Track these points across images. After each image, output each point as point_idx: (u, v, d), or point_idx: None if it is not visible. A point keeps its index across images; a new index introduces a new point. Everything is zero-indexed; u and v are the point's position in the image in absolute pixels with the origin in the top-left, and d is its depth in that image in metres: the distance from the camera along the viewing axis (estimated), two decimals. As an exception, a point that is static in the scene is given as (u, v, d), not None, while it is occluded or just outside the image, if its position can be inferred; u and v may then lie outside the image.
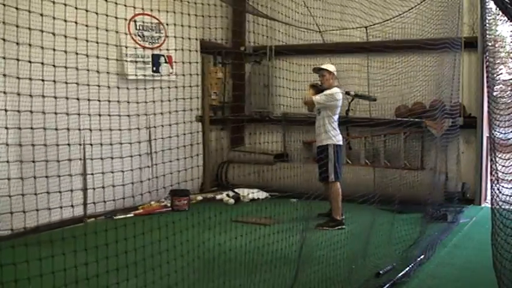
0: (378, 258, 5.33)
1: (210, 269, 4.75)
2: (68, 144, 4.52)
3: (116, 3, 4.17)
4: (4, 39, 3.88)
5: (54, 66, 3.90)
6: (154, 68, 8.42)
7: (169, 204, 8.13)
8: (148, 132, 7.40)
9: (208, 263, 4.94)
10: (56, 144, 4.52)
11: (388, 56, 8.61)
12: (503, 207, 4.25)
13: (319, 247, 5.45)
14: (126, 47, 7.91)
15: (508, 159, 4.30)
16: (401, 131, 8.88)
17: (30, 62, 3.74)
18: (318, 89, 7.17)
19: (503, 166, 4.30)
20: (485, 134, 8.55)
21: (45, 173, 4.84)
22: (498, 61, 4.97)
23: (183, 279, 4.36)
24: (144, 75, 8.08)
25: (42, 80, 3.88)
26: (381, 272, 4.97)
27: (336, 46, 7.94)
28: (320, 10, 7.23)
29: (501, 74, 4.92)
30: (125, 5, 5.02)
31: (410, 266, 5.22)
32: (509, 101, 4.51)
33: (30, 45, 3.69)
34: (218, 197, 8.96)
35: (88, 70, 4.31)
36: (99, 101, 4.33)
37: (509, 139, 4.49)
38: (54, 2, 3.60)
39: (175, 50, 8.01)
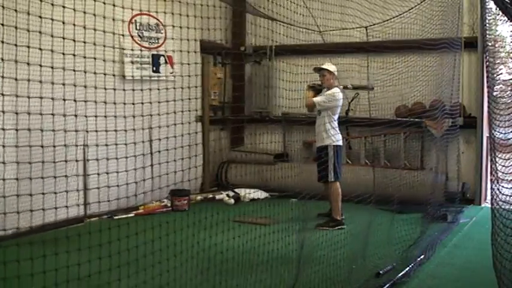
0: (378, 258, 5.33)
1: (205, 268, 4.74)
2: (66, 145, 4.54)
3: (114, 5, 4.17)
4: (3, 41, 3.89)
5: (52, 68, 3.92)
6: (154, 68, 8.42)
7: (169, 204, 8.14)
8: (148, 132, 7.41)
9: (203, 262, 4.92)
10: (56, 146, 4.53)
11: (388, 56, 8.61)
12: (503, 207, 4.26)
13: (319, 247, 5.45)
14: (131, 49, 7.92)
15: (508, 159, 4.30)
16: (401, 131, 8.88)
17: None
18: (316, 89, 7.16)
19: (503, 166, 4.30)
20: (485, 134, 8.55)
21: (46, 174, 4.84)
22: (498, 61, 4.97)
23: (176, 279, 4.35)
24: (144, 76, 8.08)
25: (40, 82, 3.89)
26: (380, 272, 4.97)
27: (335, 46, 7.93)
28: (320, 10, 7.23)
29: (501, 74, 4.92)
30: (131, 8, 5.02)
31: (410, 266, 5.22)
32: (509, 101, 4.51)
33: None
34: (218, 197, 8.96)
35: (85, 72, 4.32)
36: (95, 102, 4.33)
37: (509, 139, 4.49)
38: (53, 4, 3.61)
39: (175, 50, 8.04)
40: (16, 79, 3.92)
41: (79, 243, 4.01)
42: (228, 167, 9.99)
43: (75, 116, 4.45)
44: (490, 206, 4.58)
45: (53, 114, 4.20)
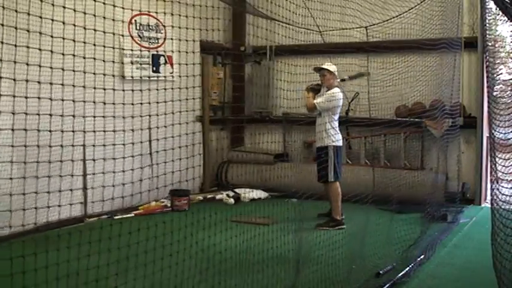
0: (377, 258, 5.33)
1: (204, 268, 4.73)
2: (62, 146, 4.53)
3: (114, 5, 4.17)
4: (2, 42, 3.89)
5: (51, 68, 3.93)
6: (154, 69, 8.42)
7: (169, 204, 8.14)
8: (148, 132, 7.41)
9: (202, 262, 4.92)
10: (56, 146, 4.53)
11: (388, 56, 8.61)
12: (503, 207, 4.26)
13: (318, 247, 5.45)
14: (131, 49, 7.92)
15: (508, 159, 4.30)
16: (401, 131, 8.88)
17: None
18: (315, 90, 7.16)
19: (503, 166, 4.30)
20: (485, 134, 8.55)
21: (45, 174, 4.84)
22: (498, 61, 4.97)
23: (170, 278, 4.35)
24: (144, 76, 8.08)
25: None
26: (380, 272, 4.97)
27: (335, 46, 7.93)
28: (320, 11, 7.22)
29: (501, 74, 4.92)
30: (131, 9, 5.02)
31: (410, 266, 5.22)
32: (509, 101, 4.51)
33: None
34: (218, 197, 8.97)
35: (85, 72, 4.32)
36: (94, 102, 4.34)
37: (509, 139, 4.49)
38: (53, 4, 3.62)
39: (175, 50, 8.04)
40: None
41: (79, 241, 4.02)
42: (228, 167, 9.99)
43: (74, 116, 4.45)
44: (490, 206, 4.57)
45: (50, 115, 4.20)
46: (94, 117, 4.55)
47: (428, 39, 7.82)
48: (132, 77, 7.89)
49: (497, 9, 4.60)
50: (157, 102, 5.02)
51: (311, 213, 7.22)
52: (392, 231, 6.23)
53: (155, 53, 8.46)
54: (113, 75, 6.42)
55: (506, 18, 4.47)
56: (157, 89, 5.34)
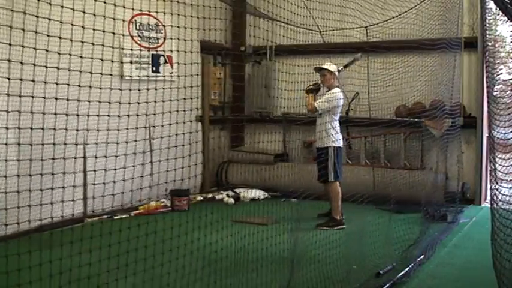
0: (377, 258, 5.33)
1: (200, 267, 4.73)
2: (65, 144, 4.54)
3: (115, 4, 4.17)
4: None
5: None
6: (153, 68, 8.42)
7: (169, 204, 8.14)
8: (148, 132, 7.41)
9: (198, 261, 4.92)
10: (56, 144, 4.53)
11: (388, 56, 8.62)
12: (502, 207, 4.26)
13: (317, 246, 5.45)
14: (131, 49, 7.91)
15: (508, 159, 4.30)
16: (401, 131, 8.88)
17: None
18: (314, 90, 7.15)
19: (503, 166, 4.30)
20: (485, 134, 8.54)
21: (45, 172, 4.83)
22: (498, 61, 4.97)
23: (162, 275, 4.36)
24: (144, 76, 8.08)
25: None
26: (381, 272, 4.97)
27: (335, 46, 7.93)
28: (320, 11, 7.23)
29: (501, 74, 4.92)
30: (131, 8, 5.03)
31: (410, 266, 5.22)
32: (509, 101, 4.51)
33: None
34: (218, 197, 8.97)
35: (80, 71, 4.32)
36: (89, 101, 4.33)
37: (509, 139, 4.49)
38: (50, 4, 3.62)
39: (175, 50, 8.03)
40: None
41: (83, 242, 4.04)
42: (228, 167, 10.00)
43: (67, 115, 4.44)
44: (489, 206, 4.57)
45: (39, 113, 4.21)
46: (89, 115, 4.54)
47: (428, 39, 7.82)
48: (131, 76, 7.88)
49: (497, 9, 4.60)
50: (159, 101, 5.02)
51: (311, 213, 7.23)
52: (392, 231, 6.23)
53: (155, 53, 8.46)
54: (112, 75, 6.41)
55: (506, 18, 4.47)
56: (157, 89, 5.32)
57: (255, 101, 10.39)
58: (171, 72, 8.44)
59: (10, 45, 3.72)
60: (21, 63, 3.78)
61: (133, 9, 5.10)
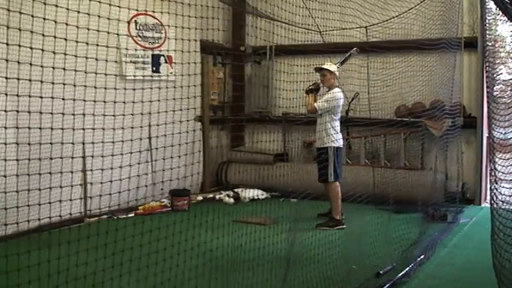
0: (377, 258, 5.33)
1: (194, 266, 4.74)
2: (62, 143, 4.53)
3: (115, 5, 4.17)
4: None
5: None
6: (154, 68, 8.41)
7: (169, 204, 8.14)
8: (148, 132, 7.40)
9: (192, 259, 4.92)
10: (55, 143, 4.54)
11: (388, 56, 8.61)
12: (502, 207, 4.26)
13: (315, 246, 5.45)
14: (131, 49, 7.92)
15: (508, 159, 4.30)
16: (401, 131, 8.88)
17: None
18: (313, 90, 7.15)
19: (503, 166, 4.30)
20: (485, 134, 8.54)
21: (45, 171, 4.83)
22: (498, 61, 4.97)
23: (156, 273, 4.37)
24: (144, 76, 8.08)
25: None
26: (381, 272, 4.97)
27: (335, 46, 7.93)
28: (320, 11, 7.22)
29: (501, 74, 4.92)
30: (131, 8, 5.03)
31: (410, 266, 5.22)
32: (509, 101, 4.52)
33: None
34: (218, 197, 8.97)
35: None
36: (83, 100, 4.34)
37: (509, 139, 4.49)
38: (46, 3, 3.63)
39: (175, 50, 8.02)
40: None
41: (84, 243, 4.04)
42: (228, 167, 10.00)
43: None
44: (489, 206, 4.57)
45: (39, 113, 4.22)
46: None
47: (428, 39, 7.82)
48: (132, 76, 7.87)
49: (497, 9, 4.60)
50: (159, 101, 5.02)
51: (311, 213, 7.23)
52: (392, 231, 6.23)
53: (155, 53, 8.46)
54: (112, 74, 6.41)
55: (506, 18, 4.47)
56: (157, 89, 5.32)
57: (254, 101, 10.39)
58: (171, 72, 8.44)
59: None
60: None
61: (133, 9, 5.09)
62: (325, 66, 7.15)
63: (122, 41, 7.84)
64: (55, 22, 3.90)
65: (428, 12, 7.96)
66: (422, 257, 5.58)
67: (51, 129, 4.32)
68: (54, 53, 3.95)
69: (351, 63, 7.88)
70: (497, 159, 4.36)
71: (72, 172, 5.96)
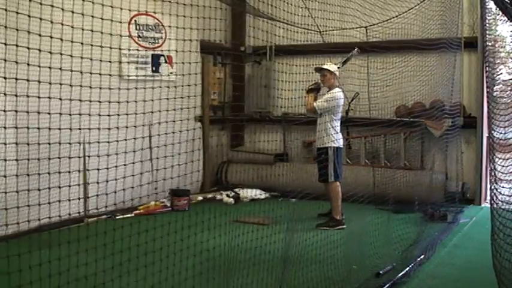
0: (377, 258, 5.33)
1: (190, 266, 4.74)
2: (70, 143, 4.55)
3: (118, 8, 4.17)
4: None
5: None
6: (153, 68, 8.41)
7: (169, 204, 8.14)
8: (148, 132, 7.41)
9: (188, 260, 4.91)
10: (62, 143, 4.55)
11: (388, 56, 8.61)
12: (502, 207, 4.26)
13: (315, 246, 5.46)
14: (131, 49, 7.92)
15: (508, 159, 4.30)
16: (401, 131, 8.88)
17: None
18: (314, 89, 7.15)
19: (503, 166, 4.30)
20: (485, 134, 8.54)
21: (45, 171, 4.84)
22: (498, 61, 4.97)
23: (154, 274, 4.37)
24: (144, 76, 8.08)
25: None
26: (381, 272, 4.97)
27: (335, 46, 7.93)
28: (320, 11, 7.22)
29: (501, 74, 4.92)
30: (131, 9, 5.03)
31: (410, 266, 5.22)
32: (509, 101, 4.52)
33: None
34: (218, 197, 8.97)
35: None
36: (78, 101, 4.35)
37: (509, 139, 4.49)
38: (42, 4, 3.64)
39: (175, 50, 8.03)
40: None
41: (79, 238, 4.05)
42: (228, 167, 10.00)
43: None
44: (489, 206, 4.57)
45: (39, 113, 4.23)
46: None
47: (428, 39, 7.82)
48: (131, 76, 7.87)
49: (497, 9, 4.60)
50: (159, 101, 5.02)
51: (311, 213, 7.23)
52: (392, 231, 6.23)
53: (155, 53, 8.46)
54: (109, 75, 6.42)
55: (506, 18, 4.47)
56: (157, 89, 5.32)
57: (254, 101, 10.39)
58: (171, 72, 8.45)
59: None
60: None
61: (132, 9, 5.09)
62: (325, 66, 7.16)
63: (125, 42, 7.84)
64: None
65: (428, 12, 7.96)
66: (422, 257, 5.58)
67: (54, 129, 4.33)
68: (52, 53, 3.95)
69: (351, 63, 7.88)
70: (497, 159, 4.37)
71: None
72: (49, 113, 4.20)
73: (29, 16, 3.71)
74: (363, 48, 7.82)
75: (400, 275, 4.98)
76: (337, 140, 7.08)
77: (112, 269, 4.10)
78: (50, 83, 4.09)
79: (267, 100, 10.20)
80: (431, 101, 8.44)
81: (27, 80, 3.88)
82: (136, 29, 8.19)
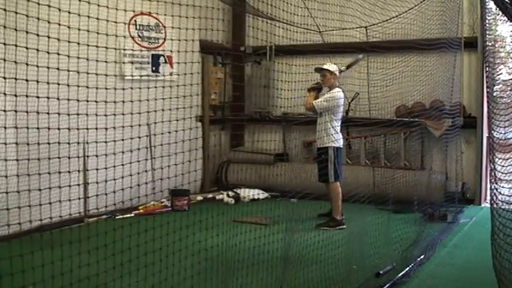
0: (377, 258, 5.33)
1: (189, 266, 4.74)
2: (69, 143, 4.55)
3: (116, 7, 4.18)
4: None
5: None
6: (153, 69, 8.42)
7: (169, 204, 8.15)
8: (148, 133, 7.41)
9: (187, 259, 4.92)
10: (56, 143, 4.55)
11: (388, 56, 8.62)
12: (502, 207, 4.26)
13: (316, 246, 5.46)
14: (131, 49, 7.93)
15: (508, 159, 4.31)
16: (401, 131, 8.89)
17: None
18: (316, 89, 7.16)
19: (503, 166, 4.30)
20: (485, 134, 8.55)
21: (46, 171, 4.84)
22: (498, 61, 4.97)
23: (154, 274, 4.38)
24: (144, 76, 8.08)
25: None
26: (381, 272, 4.97)
27: (335, 46, 7.94)
28: (320, 11, 7.23)
29: (501, 74, 4.92)
30: (131, 10, 5.04)
31: (410, 266, 5.22)
32: (509, 101, 4.52)
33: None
34: (218, 197, 8.97)
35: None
36: (82, 101, 4.36)
37: (508, 139, 4.50)
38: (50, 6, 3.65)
39: (175, 50, 8.03)
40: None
41: (80, 238, 4.05)
42: (228, 167, 10.00)
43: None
44: (489, 206, 4.58)
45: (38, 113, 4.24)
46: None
47: (428, 39, 7.82)
48: (132, 76, 7.88)
49: (497, 9, 4.61)
50: (159, 101, 5.02)
51: (311, 213, 7.23)
52: (392, 230, 6.23)
53: (155, 53, 8.46)
54: (117, 75, 6.45)
55: (506, 18, 4.48)
56: (157, 89, 5.33)
57: (254, 101, 10.39)
58: (171, 73, 8.45)
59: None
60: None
61: (133, 10, 5.10)
62: (325, 67, 7.16)
63: (125, 43, 7.84)
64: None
65: (428, 12, 7.96)
66: (422, 257, 5.58)
67: (54, 129, 4.33)
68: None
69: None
70: (497, 159, 4.37)
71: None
72: (48, 113, 4.20)
73: (27, 16, 3.72)
74: (363, 49, 7.83)
75: (400, 275, 4.98)
76: (337, 140, 7.08)
77: (113, 270, 4.10)
78: (56, 83, 4.10)
79: (267, 100, 10.21)
80: (431, 101, 8.44)
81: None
82: (136, 29, 8.20)
